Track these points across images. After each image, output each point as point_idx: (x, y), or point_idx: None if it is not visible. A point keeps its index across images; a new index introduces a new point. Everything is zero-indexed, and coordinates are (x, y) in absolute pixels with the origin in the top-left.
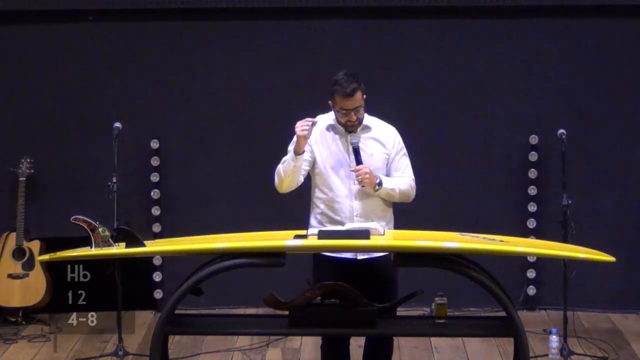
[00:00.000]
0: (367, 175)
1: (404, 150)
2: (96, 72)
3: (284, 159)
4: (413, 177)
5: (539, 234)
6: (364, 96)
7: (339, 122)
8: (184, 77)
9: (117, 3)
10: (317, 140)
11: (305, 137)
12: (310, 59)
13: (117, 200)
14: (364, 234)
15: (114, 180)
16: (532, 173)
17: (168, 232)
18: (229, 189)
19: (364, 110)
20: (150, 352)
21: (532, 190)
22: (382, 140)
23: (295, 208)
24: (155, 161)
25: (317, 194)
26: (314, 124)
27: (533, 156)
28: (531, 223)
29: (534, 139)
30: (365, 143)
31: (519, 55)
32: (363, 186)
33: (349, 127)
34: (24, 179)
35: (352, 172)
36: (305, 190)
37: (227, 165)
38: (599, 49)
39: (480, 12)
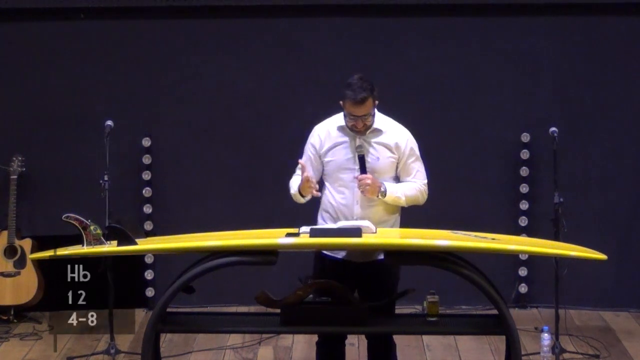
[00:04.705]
0: (368, 187)
1: (416, 155)
2: (88, 70)
3: (293, 182)
4: (425, 182)
5: (530, 231)
6: (376, 102)
7: (347, 125)
8: (176, 75)
9: (109, 1)
10: (326, 143)
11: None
12: (303, 57)
13: (109, 198)
14: (356, 232)
15: (106, 178)
16: (524, 171)
17: (160, 230)
18: (220, 187)
19: (375, 115)
20: (142, 350)
21: (524, 188)
22: (391, 145)
23: (287, 206)
24: (147, 159)
25: (326, 194)
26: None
27: (525, 154)
28: (523, 221)
29: (525, 137)
30: (374, 147)
31: (510, 53)
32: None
33: (356, 132)
34: (15, 177)
35: (355, 178)
36: None
37: (219, 163)
38: (591, 47)
39: (472, 10)
